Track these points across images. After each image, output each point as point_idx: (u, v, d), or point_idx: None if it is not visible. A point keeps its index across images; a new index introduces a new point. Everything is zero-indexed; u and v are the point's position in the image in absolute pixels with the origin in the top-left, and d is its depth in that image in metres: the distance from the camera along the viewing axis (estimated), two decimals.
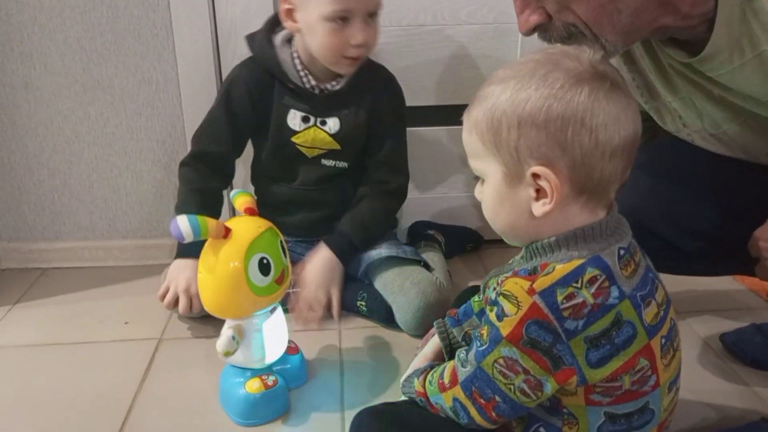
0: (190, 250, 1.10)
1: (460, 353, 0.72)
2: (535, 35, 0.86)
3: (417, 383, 0.78)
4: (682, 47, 0.87)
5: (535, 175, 0.64)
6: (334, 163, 1.21)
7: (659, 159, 1.04)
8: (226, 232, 0.85)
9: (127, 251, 1.41)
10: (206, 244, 0.87)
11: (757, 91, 0.84)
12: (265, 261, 0.86)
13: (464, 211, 1.45)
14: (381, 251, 1.18)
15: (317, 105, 1.17)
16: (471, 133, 0.68)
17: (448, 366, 0.73)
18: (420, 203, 1.47)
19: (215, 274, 0.85)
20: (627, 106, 0.64)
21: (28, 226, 1.40)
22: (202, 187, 1.17)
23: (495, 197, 0.68)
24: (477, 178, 0.71)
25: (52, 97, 1.31)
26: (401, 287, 1.13)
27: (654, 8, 0.79)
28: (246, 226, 0.88)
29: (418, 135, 1.40)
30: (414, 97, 1.35)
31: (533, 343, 0.63)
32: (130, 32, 1.28)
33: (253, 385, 0.90)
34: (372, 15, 1.09)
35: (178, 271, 1.12)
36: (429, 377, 0.77)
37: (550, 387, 0.64)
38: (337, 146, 1.19)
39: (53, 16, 1.26)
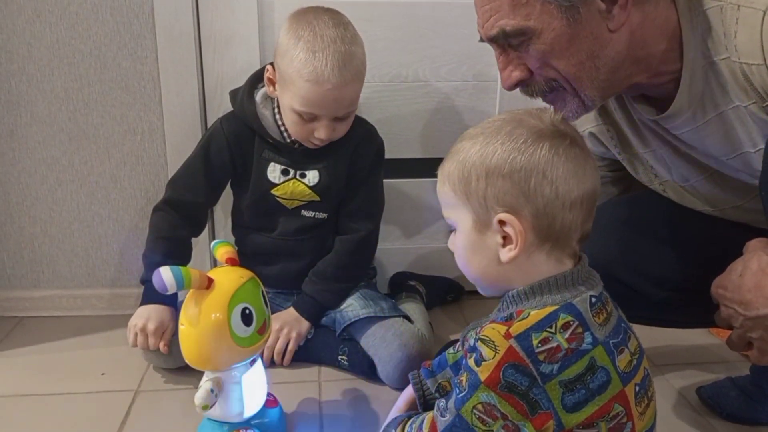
0: (152, 297, 1.13)
1: (440, 402, 0.73)
2: (517, 90, 0.91)
3: None
4: (651, 104, 0.92)
5: (501, 222, 0.69)
6: (313, 214, 1.22)
7: (629, 212, 1.08)
8: (209, 283, 0.85)
9: (106, 300, 1.40)
10: (188, 296, 0.87)
11: (718, 150, 0.88)
12: (247, 311, 0.86)
13: (445, 261, 1.46)
14: (358, 311, 1.18)
15: (297, 158, 1.19)
16: (444, 185, 0.74)
17: (427, 417, 0.74)
18: (401, 254, 1.48)
19: (197, 325, 0.85)
20: (585, 163, 0.70)
21: (6, 274, 1.38)
22: (170, 234, 1.18)
23: (466, 245, 0.73)
24: (452, 230, 0.75)
25: (37, 146, 1.32)
26: (383, 339, 1.13)
27: (629, 65, 0.84)
28: (228, 277, 0.88)
29: (399, 187, 1.42)
30: (396, 149, 1.38)
31: (510, 387, 0.65)
32: (117, 83, 1.30)
33: None
34: (343, 118, 1.11)
35: (137, 316, 1.12)
36: (407, 427, 0.77)
37: None
38: (316, 198, 1.20)
39: (42, 66, 1.27)
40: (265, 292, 0.92)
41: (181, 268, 0.81)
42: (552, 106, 0.90)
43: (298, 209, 1.21)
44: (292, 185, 1.19)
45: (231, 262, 0.92)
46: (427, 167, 1.42)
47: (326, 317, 1.22)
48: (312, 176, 1.19)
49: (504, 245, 0.70)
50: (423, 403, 0.88)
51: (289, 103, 1.10)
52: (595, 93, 0.85)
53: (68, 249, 1.38)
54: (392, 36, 1.34)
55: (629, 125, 0.99)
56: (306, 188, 1.19)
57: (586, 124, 1.05)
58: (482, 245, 0.71)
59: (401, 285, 1.41)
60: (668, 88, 0.87)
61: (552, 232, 0.69)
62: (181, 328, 0.87)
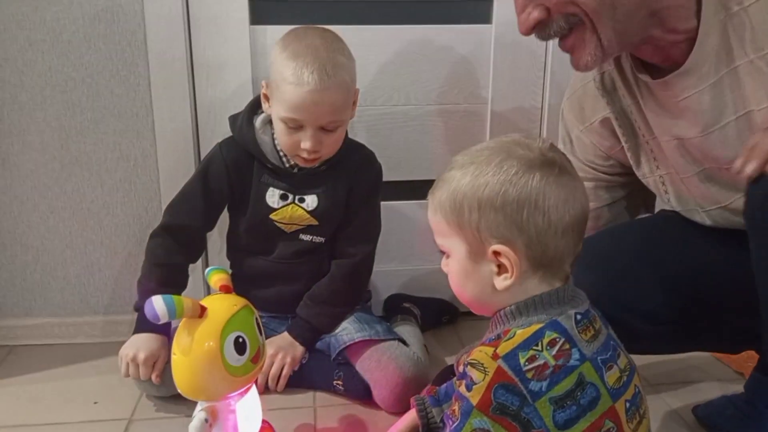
0: (145, 325, 1.12)
1: None
2: (506, 117, 0.92)
3: None
4: (660, 74, 0.94)
5: (496, 253, 0.69)
6: (311, 237, 1.22)
7: (614, 246, 1.08)
8: (202, 311, 0.84)
9: (98, 328, 1.39)
10: (180, 324, 0.86)
11: (722, 112, 0.90)
12: (240, 339, 0.86)
13: (439, 283, 1.45)
14: (353, 334, 1.17)
15: (296, 183, 1.19)
16: (436, 214, 0.74)
17: None
18: (395, 276, 1.48)
19: (190, 354, 0.84)
20: (575, 188, 0.71)
21: None
22: (166, 261, 1.18)
23: (461, 272, 0.74)
24: (443, 252, 0.76)
25: (29, 173, 1.31)
26: (379, 362, 1.12)
27: (645, 15, 0.87)
28: (221, 305, 0.87)
29: (392, 209, 1.43)
30: (387, 172, 1.38)
31: (502, 409, 0.65)
32: (110, 110, 1.30)
33: None
34: (326, 128, 1.11)
35: (128, 345, 1.12)
36: None
37: None
38: (314, 222, 1.20)
39: (34, 94, 1.28)
40: (259, 319, 0.91)
41: (173, 297, 0.81)
42: (570, 55, 0.91)
43: (296, 233, 1.21)
44: (291, 210, 1.19)
45: (225, 289, 0.91)
46: (419, 189, 1.43)
47: (321, 341, 1.21)
48: (311, 201, 1.19)
49: (499, 274, 0.71)
50: (427, 431, 0.88)
51: (276, 113, 1.11)
52: (611, 35, 0.87)
53: (61, 276, 1.38)
54: (384, 60, 1.36)
55: (637, 112, 1.01)
56: (305, 213, 1.19)
57: (599, 112, 1.07)
58: (477, 273, 0.72)
59: (396, 307, 1.41)
60: (681, 49, 0.89)
61: (545, 259, 0.70)
62: (173, 357, 0.86)
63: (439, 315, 1.46)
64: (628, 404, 0.70)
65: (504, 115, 1.40)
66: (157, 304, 0.79)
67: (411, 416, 0.91)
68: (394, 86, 1.38)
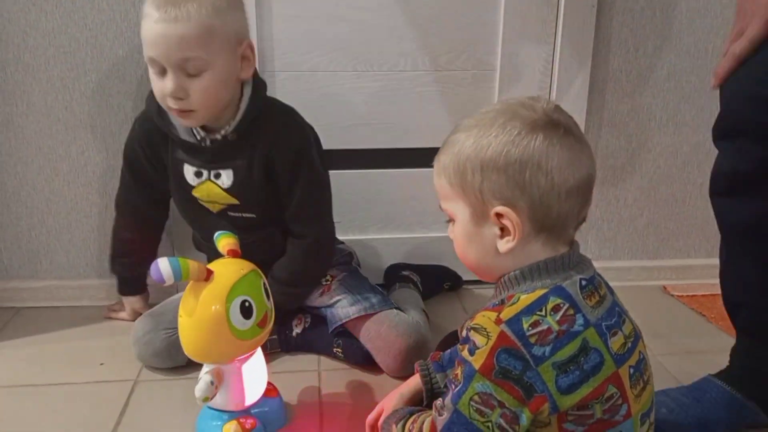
0: (126, 289, 1.22)
1: (437, 402, 0.73)
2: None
3: (396, 429, 0.79)
4: None
5: (498, 215, 0.69)
6: (240, 214, 1.13)
7: None
8: (208, 275, 0.84)
9: (104, 291, 1.39)
10: (187, 287, 0.86)
11: None
12: (247, 304, 0.86)
13: (444, 251, 1.46)
14: (348, 309, 1.14)
15: (209, 158, 1.10)
16: (440, 177, 0.74)
17: (428, 419, 0.75)
18: (400, 244, 1.48)
19: (195, 317, 0.84)
20: (580, 151, 0.70)
21: (3, 265, 1.38)
22: (129, 248, 1.25)
23: (464, 236, 0.73)
24: (449, 220, 0.76)
25: (34, 135, 1.31)
26: (378, 333, 1.12)
27: None
28: (228, 269, 0.87)
29: (398, 176, 1.42)
30: (393, 139, 1.38)
31: (505, 373, 0.65)
32: (114, 72, 1.29)
33: (231, 428, 0.89)
34: (190, 72, 1.00)
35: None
36: (409, 425, 0.78)
37: (525, 418, 0.66)
38: (234, 201, 1.11)
39: (37, 55, 1.27)
40: (267, 284, 0.91)
41: (179, 259, 0.81)
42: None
43: (224, 211, 1.13)
44: (207, 187, 1.11)
45: (232, 254, 0.91)
46: (426, 157, 1.41)
47: (320, 310, 1.19)
48: (226, 177, 1.10)
49: (501, 237, 0.70)
50: (430, 396, 0.89)
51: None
52: None
53: (66, 239, 1.38)
54: (391, 25, 1.34)
55: None
56: (221, 191, 1.10)
57: None
58: (480, 236, 0.72)
59: (395, 276, 1.41)
60: None
61: (548, 221, 0.69)
62: (180, 319, 0.86)
63: (441, 282, 1.46)
64: (632, 370, 0.70)
65: (513, 81, 1.38)
66: (163, 266, 0.79)
67: (415, 381, 0.92)
68: (400, 52, 1.36)
